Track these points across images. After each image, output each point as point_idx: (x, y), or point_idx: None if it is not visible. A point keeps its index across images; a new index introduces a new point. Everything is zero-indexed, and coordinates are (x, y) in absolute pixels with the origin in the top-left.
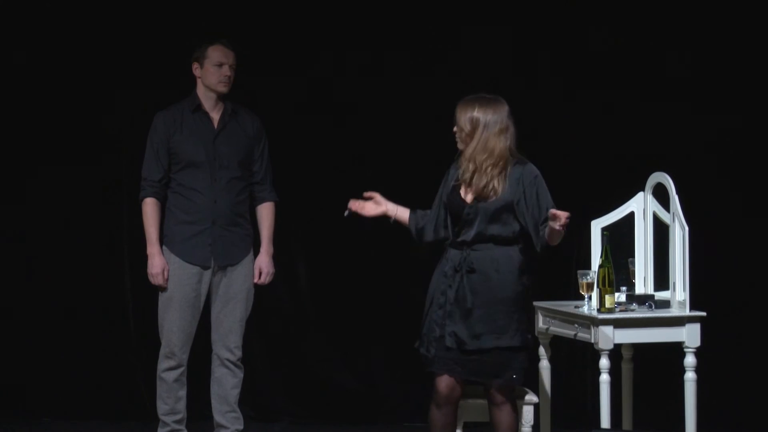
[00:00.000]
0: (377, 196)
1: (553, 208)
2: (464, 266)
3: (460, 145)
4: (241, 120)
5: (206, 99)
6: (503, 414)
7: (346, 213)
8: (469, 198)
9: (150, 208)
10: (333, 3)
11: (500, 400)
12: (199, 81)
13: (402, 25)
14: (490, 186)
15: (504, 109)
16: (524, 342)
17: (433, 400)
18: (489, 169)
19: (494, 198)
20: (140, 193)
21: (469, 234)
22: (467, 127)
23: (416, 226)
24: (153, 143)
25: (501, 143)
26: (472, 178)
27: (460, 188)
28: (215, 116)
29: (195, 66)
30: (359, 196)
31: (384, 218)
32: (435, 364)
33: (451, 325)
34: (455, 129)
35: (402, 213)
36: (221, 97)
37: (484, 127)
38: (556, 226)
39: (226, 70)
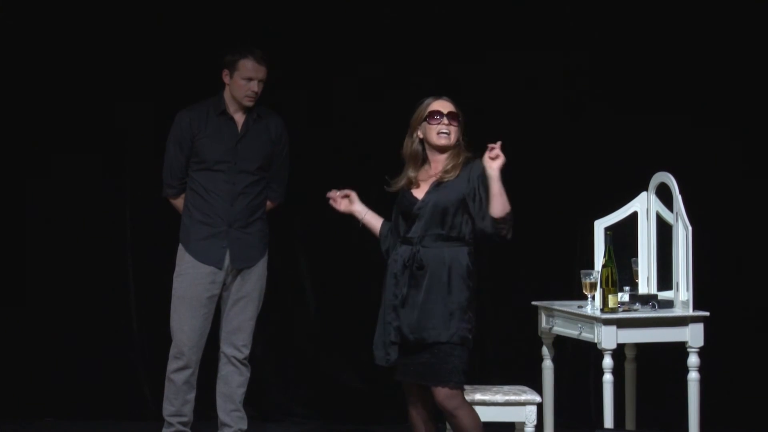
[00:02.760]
0: (352, 194)
1: None
2: (414, 263)
3: (446, 141)
4: (264, 124)
5: (231, 103)
6: (459, 420)
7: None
8: (419, 194)
9: (182, 202)
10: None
11: (452, 407)
12: (227, 87)
13: (407, 27)
14: (455, 171)
15: None
16: (464, 341)
17: (407, 401)
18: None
19: (450, 183)
20: (166, 190)
21: (419, 230)
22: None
23: (383, 245)
24: (177, 142)
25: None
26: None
27: (411, 187)
28: (239, 120)
29: (225, 73)
30: (361, 196)
31: (353, 218)
32: (396, 373)
33: (396, 320)
34: (451, 122)
35: (372, 219)
36: None
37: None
38: (491, 156)
39: (254, 86)
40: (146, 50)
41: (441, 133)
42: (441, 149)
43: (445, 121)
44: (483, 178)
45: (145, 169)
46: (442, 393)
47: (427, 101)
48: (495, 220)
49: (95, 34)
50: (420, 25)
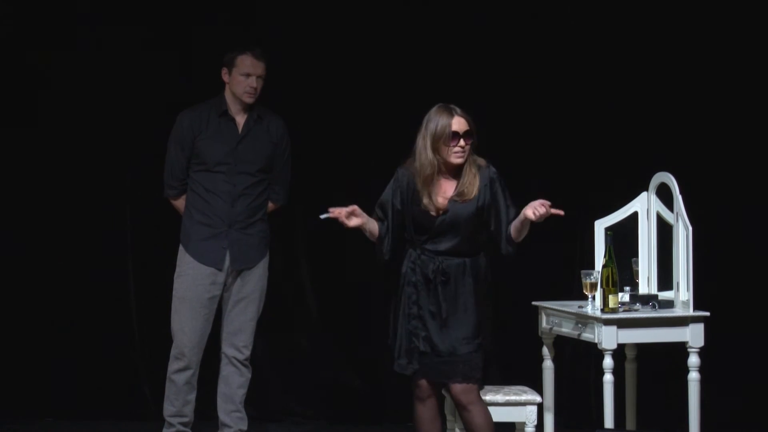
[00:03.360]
0: (356, 208)
1: (514, 208)
2: (438, 276)
3: (462, 159)
4: (265, 125)
5: (233, 104)
6: (473, 415)
7: (323, 216)
8: (434, 208)
9: (183, 203)
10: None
11: (466, 401)
12: (227, 86)
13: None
14: (472, 188)
15: None
16: (486, 345)
17: (414, 396)
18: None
19: (468, 200)
20: (167, 191)
21: (441, 244)
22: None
23: (385, 246)
24: (178, 143)
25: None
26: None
27: (422, 199)
28: (240, 120)
29: (224, 71)
30: (361, 195)
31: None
32: (415, 372)
33: (423, 330)
34: (467, 142)
35: (372, 225)
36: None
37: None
38: (539, 212)
39: (252, 82)
40: (155, 52)
41: (457, 153)
42: (456, 167)
43: (462, 142)
44: (502, 190)
45: (145, 169)
46: (460, 388)
47: (442, 120)
48: (510, 239)
49: (96, 34)
50: (418, 24)
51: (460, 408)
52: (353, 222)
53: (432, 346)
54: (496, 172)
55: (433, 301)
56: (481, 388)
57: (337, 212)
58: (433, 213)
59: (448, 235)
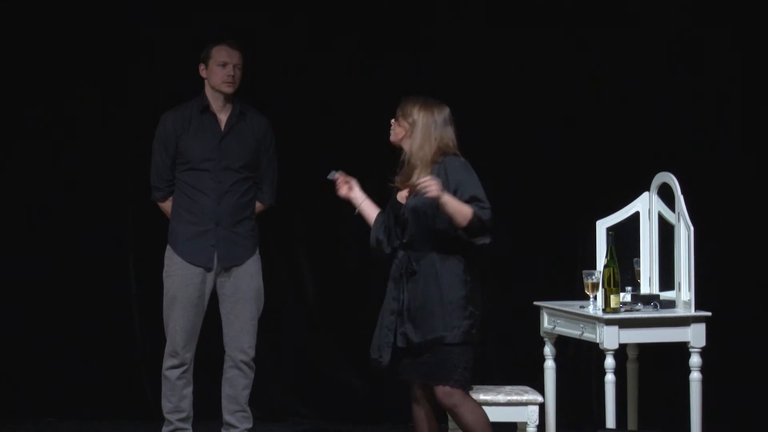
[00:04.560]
0: (353, 181)
1: (475, 193)
2: (408, 268)
3: (391, 137)
4: (248, 121)
5: (214, 100)
6: (460, 417)
7: (329, 176)
8: (403, 198)
9: (170, 206)
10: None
11: (450, 404)
12: (206, 82)
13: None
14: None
15: (444, 111)
16: (465, 338)
17: (410, 398)
18: (418, 166)
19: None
20: (154, 194)
21: (407, 235)
22: (406, 125)
23: (377, 236)
24: (162, 143)
25: (433, 145)
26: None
27: (397, 190)
28: (223, 117)
29: (201, 67)
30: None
31: (350, 205)
32: (401, 372)
33: (400, 326)
34: (392, 126)
35: (368, 208)
36: (230, 98)
37: (423, 128)
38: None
39: (230, 70)
40: (155, 50)
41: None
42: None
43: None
44: (455, 174)
45: (147, 169)
46: (441, 391)
47: None
48: (464, 229)
49: (99, 35)
50: (415, 21)
51: (448, 412)
52: (344, 191)
53: (408, 340)
54: (454, 160)
55: (402, 294)
56: (468, 386)
57: (339, 175)
58: (399, 197)
59: (412, 225)
